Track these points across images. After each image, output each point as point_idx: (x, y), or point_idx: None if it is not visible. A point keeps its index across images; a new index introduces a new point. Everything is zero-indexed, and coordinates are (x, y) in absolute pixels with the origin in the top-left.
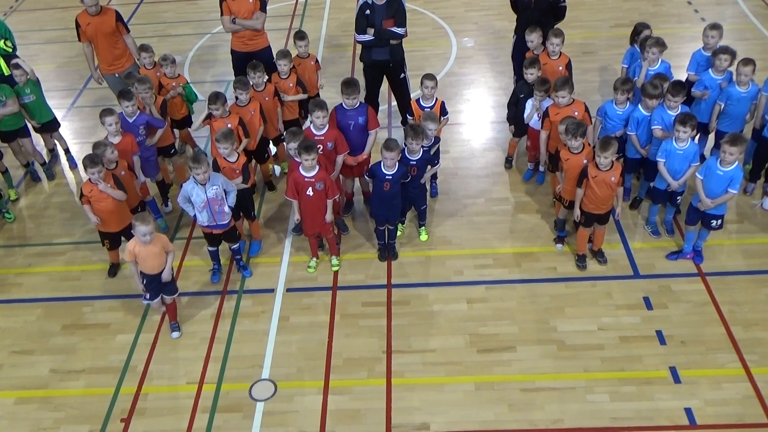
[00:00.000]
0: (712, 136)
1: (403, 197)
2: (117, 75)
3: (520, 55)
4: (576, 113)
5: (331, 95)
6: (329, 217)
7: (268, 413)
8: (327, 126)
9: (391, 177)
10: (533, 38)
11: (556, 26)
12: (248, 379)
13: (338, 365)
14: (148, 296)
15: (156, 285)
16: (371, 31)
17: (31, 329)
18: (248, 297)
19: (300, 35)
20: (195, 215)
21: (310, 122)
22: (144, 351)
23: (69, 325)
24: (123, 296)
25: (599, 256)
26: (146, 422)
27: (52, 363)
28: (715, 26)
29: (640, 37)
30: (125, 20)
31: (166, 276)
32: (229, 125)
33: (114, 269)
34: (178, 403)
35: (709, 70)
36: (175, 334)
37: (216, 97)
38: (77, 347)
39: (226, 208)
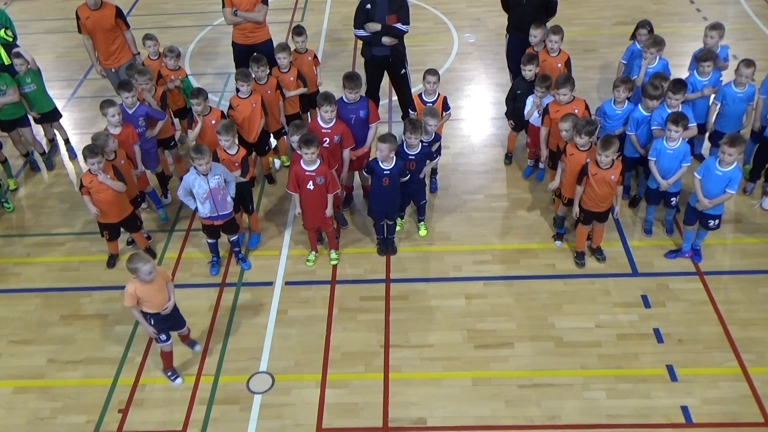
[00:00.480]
0: (705, 136)
1: (402, 192)
2: (113, 70)
3: (513, 54)
4: (576, 111)
5: (332, 89)
6: (329, 211)
7: (265, 406)
8: (335, 120)
9: (389, 172)
10: (536, 33)
11: (555, 23)
12: (246, 372)
13: (336, 359)
14: (163, 338)
15: (165, 323)
16: (376, 26)
17: (29, 319)
18: (247, 290)
19: (298, 30)
20: (196, 207)
21: (318, 116)
22: (142, 342)
23: (67, 315)
24: (122, 287)
25: (598, 253)
26: (143, 413)
27: (50, 353)
28: (715, 26)
29: (641, 36)
30: (126, 12)
31: (170, 307)
32: (213, 122)
33: (113, 260)
34: (176, 395)
35: (695, 72)
36: (198, 347)
37: (198, 93)
38: (75, 337)
39: (229, 198)
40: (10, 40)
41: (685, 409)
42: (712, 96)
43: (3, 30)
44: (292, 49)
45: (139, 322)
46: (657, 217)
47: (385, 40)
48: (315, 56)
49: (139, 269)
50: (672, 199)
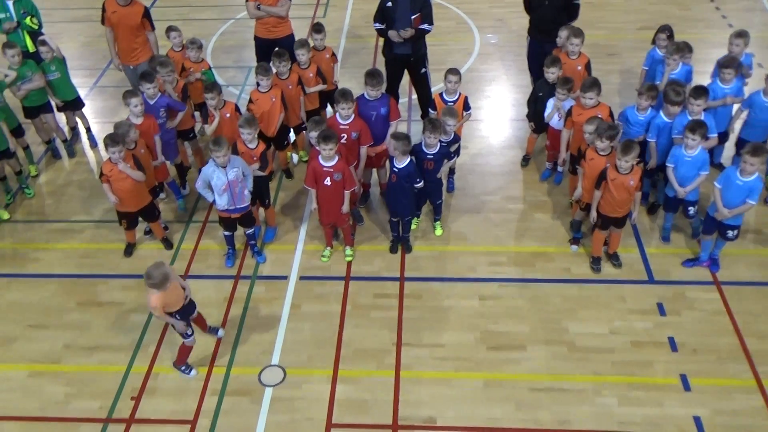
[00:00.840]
0: (727, 145)
1: (418, 192)
2: (131, 67)
3: (534, 56)
4: (600, 116)
5: (352, 86)
6: (346, 207)
7: (276, 399)
8: (353, 116)
9: (397, 171)
10: (563, 34)
11: (577, 26)
12: (258, 364)
13: (348, 355)
14: (190, 332)
15: (188, 312)
16: (412, 32)
17: (46, 304)
18: (261, 283)
19: (317, 28)
20: (214, 200)
21: (336, 112)
22: (156, 331)
23: (84, 302)
24: (138, 276)
25: (614, 259)
26: (156, 402)
27: (66, 338)
28: (740, 34)
29: (660, 41)
30: (150, 4)
31: (190, 293)
32: (228, 115)
33: (130, 249)
34: (188, 385)
35: (716, 79)
36: (221, 331)
37: (212, 87)
38: (91, 324)
39: (246, 191)
40: (36, 27)
41: (697, 420)
42: (736, 105)
43: (29, 18)
44: (311, 46)
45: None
46: (676, 224)
47: (392, 33)
48: (333, 54)
49: (169, 273)
50: (690, 209)
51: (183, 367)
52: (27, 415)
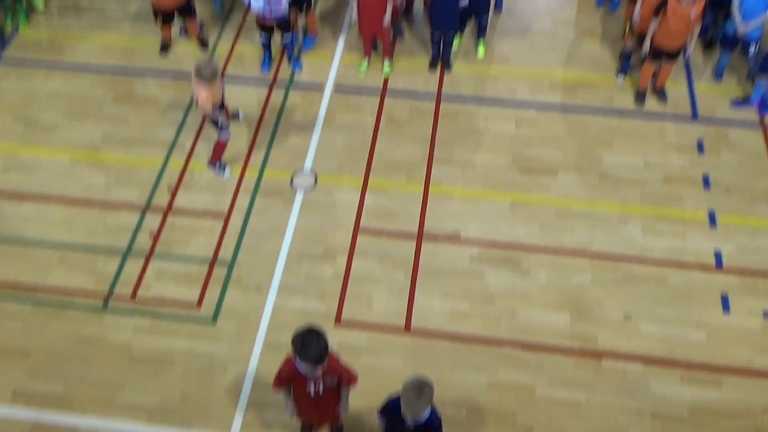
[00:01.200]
0: None
1: (463, 9)
2: None
3: None
4: None
5: None
6: (387, 18)
7: (306, 202)
8: None
9: None
10: None
11: None
12: (290, 168)
13: (378, 167)
14: (227, 123)
15: (223, 106)
16: None
17: (85, 96)
18: (296, 91)
19: None
20: (249, 2)
21: None
22: (192, 130)
23: (121, 96)
24: (174, 75)
25: (661, 93)
26: (191, 196)
27: (105, 130)
28: None
29: None
30: None
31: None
32: None
33: (165, 47)
34: (222, 182)
35: None
36: (241, 114)
37: None
38: (128, 118)
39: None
40: None
41: (717, 255)
42: None
43: None
44: None
45: (203, 116)
46: (731, 63)
47: None
48: None
49: (218, 67)
50: (751, 47)
51: (217, 166)
52: (70, 198)
